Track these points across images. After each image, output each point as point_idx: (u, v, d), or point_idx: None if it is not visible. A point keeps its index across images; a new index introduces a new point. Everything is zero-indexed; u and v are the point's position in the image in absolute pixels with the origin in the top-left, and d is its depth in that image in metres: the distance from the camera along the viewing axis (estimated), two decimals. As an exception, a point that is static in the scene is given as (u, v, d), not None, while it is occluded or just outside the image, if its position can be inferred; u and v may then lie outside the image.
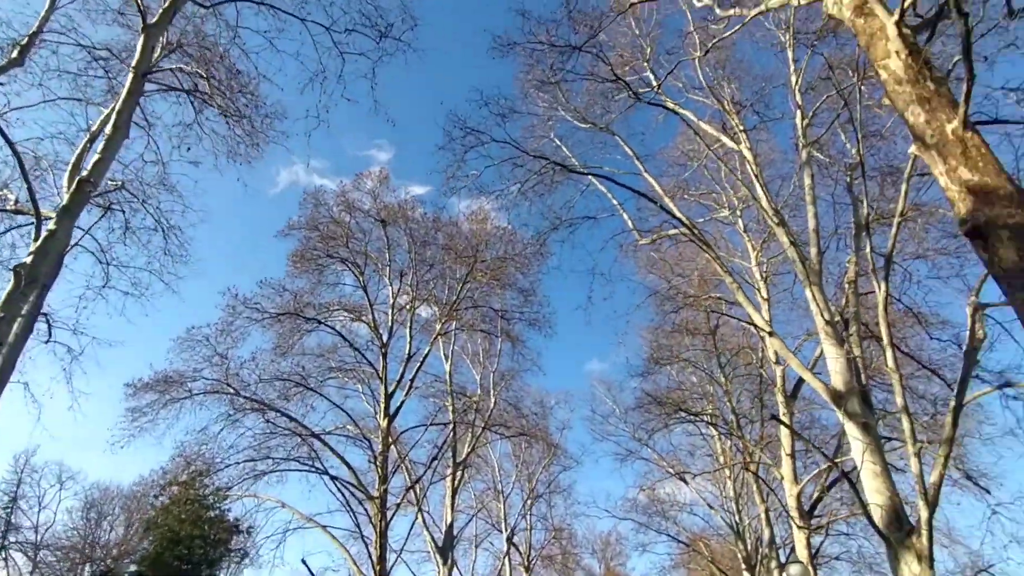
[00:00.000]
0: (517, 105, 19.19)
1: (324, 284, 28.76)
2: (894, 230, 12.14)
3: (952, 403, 11.35)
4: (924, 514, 10.61)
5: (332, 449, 26.45)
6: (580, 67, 17.52)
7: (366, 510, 26.63)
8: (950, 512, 22.07)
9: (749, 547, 32.12)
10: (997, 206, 4.88)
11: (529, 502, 45.76)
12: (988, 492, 15.81)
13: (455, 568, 37.41)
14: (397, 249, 29.13)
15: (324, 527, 24.70)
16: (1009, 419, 14.51)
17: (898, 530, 11.25)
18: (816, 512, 22.48)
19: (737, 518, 32.50)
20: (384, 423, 28.29)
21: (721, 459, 32.96)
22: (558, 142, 20.39)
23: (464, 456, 34.47)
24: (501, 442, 46.07)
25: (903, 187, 11.17)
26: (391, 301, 29.14)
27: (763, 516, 27.75)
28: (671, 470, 32.50)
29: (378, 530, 24.48)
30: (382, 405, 29.17)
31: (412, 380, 30.60)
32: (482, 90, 16.89)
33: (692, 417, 28.01)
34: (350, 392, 31.47)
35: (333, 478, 24.52)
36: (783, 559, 27.19)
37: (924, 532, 10.55)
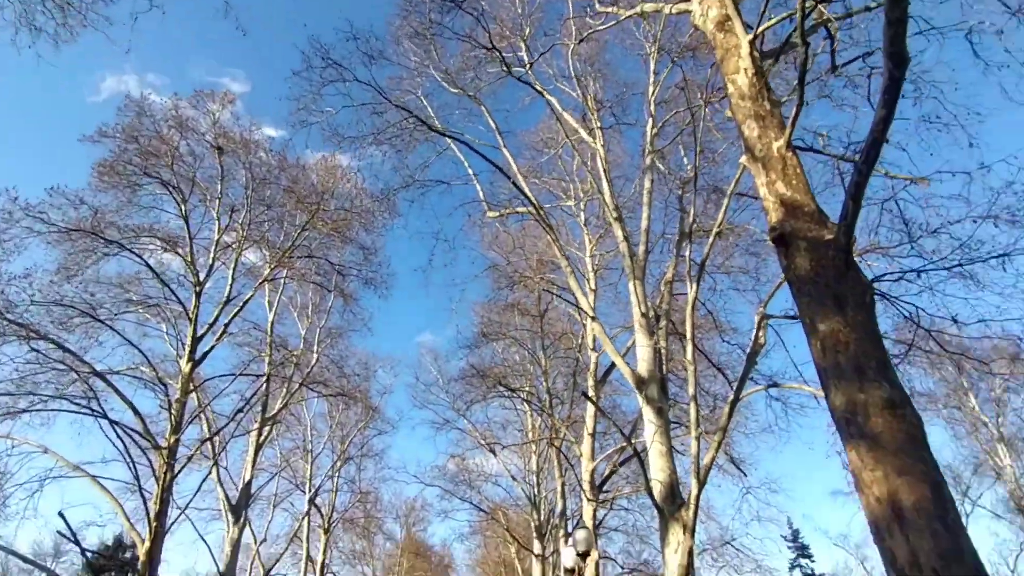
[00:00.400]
0: (388, 52, 18.25)
1: (136, 206, 24.79)
2: (710, 240, 13.62)
3: (731, 397, 13.10)
4: (695, 491, 12.11)
5: (118, 391, 23.38)
6: (458, 26, 17.10)
7: (150, 461, 24.06)
8: (711, 492, 25.81)
9: (542, 517, 34.53)
10: (801, 220, 5.61)
11: (339, 463, 44.81)
12: (745, 475, 18.65)
13: (247, 527, 35.51)
14: (232, 183, 26.09)
15: (94, 477, 21.79)
16: (769, 416, 17.28)
17: (672, 503, 12.72)
18: (605, 488, 24.81)
19: (536, 490, 34.72)
20: (187, 368, 25.63)
21: (530, 434, 34.80)
22: (424, 100, 19.82)
23: (275, 412, 32.59)
24: (318, 401, 44.53)
25: (724, 202, 12.51)
26: (215, 237, 26.18)
27: (559, 489, 29.92)
28: (483, 441, 33.66)
29: (162, 483, 22.21)
30: (187, 348, 26.34)
31: (227, 325, 28.05)
32: (352, 23, 15.68)
33: (510, 392, 29.19)
34: (150, 330, 28.03)
35: (113, 423, 21.62)
36: (570, 528, 29.67)
37: (692, 506, 12.05)
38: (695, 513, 12.05)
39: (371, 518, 50.92)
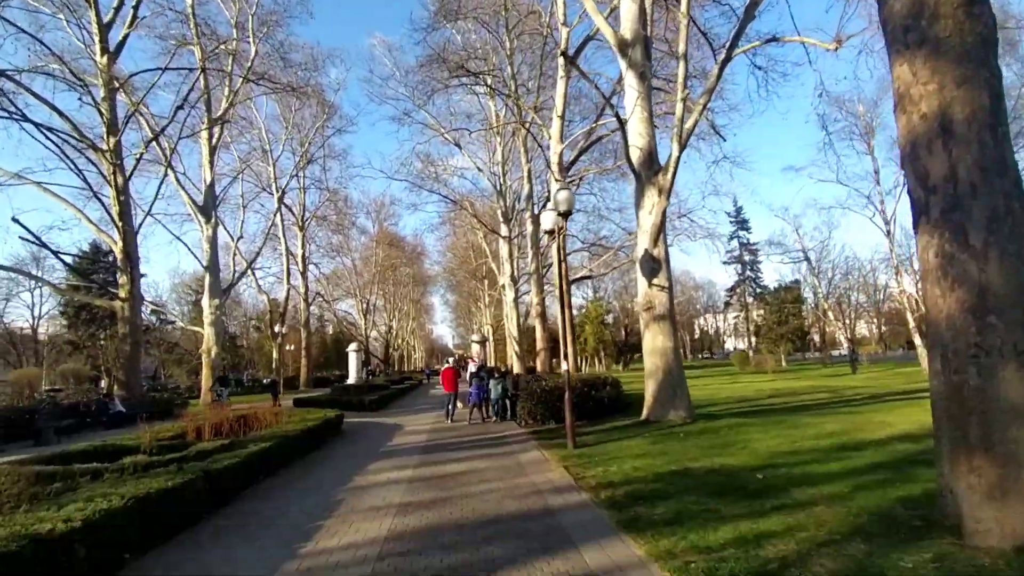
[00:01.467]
0: None
1: None
2: None
3: (723, 55, 11.88)
4: (676, 153, 11.76)
5: (30, 91, 20.72)
6: None
7: (97, 166, 22.67)
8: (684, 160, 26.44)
9: (508, 204, 35.84)
10: None
11: (302, 164, 44.17)
12: (724, 139, 18.63)
13: (221, 226, 36.11)
14: None
15: (40, 184, 20.63)
16: (751, 85, 16.31)
17: (649, 168, 12.53)
18: (571, 171, 25.02)
19: (501, 180, 35.17)
20: (104, 60, 22.52)
21: (495, 122, 33.71)
22: None
23: (222, 111, 30.17)
24: (268, 101, 41.46)
25: None
26: None
27: (525, 175, 30.11)
28: (446, 135, 32.69)
29: (115, 186, 21.28)
30: (97, 37, 22.82)
31: (136, 8, 24.02)
32: None
33: (473, 78, 26.97)
34: (47, 20, 23.77)
35: (39, 126, 19.58)
36: (536, 211, 30.84)
37: (672, 169, 11.84)
38: (674, 175, 11.94)
39: (343, 215, 52.41)
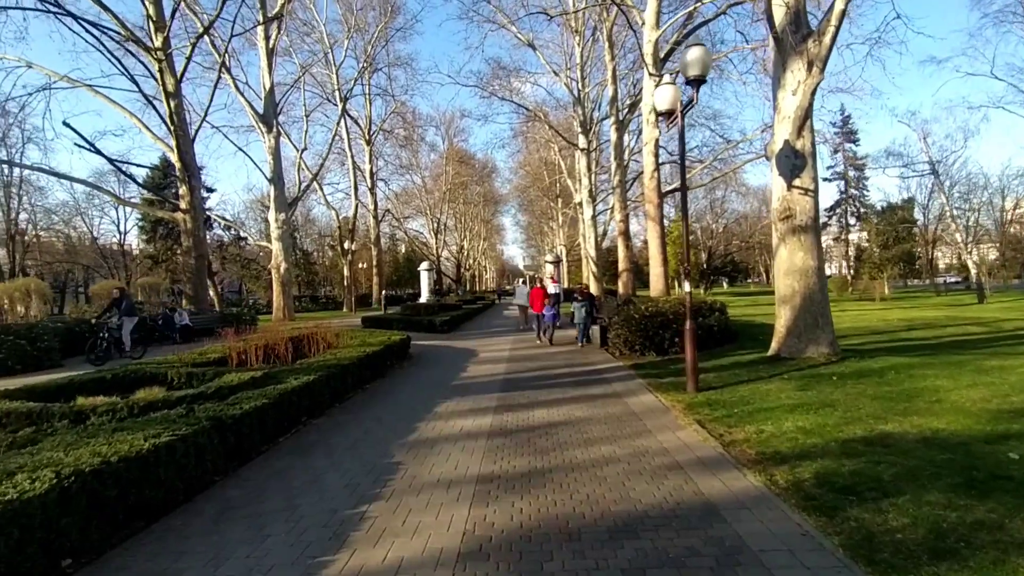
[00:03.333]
0: None
1: None
2: None
3: None
4: (840, 4, 8.63)
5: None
6: None
7: (149, 70, 21.21)
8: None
9: (587, 113, 32.58)
10: None
11: (366, 70, 41.92)
12: None
13: (284, 137, 34.84)
14: None
15: (91, 86, 19.43)
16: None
17: (795, 32, 9.42)
18: (671, 58, 21.49)
19: (580, 85, 31.90)
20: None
21: (572, 20, 30.04)
22: None
23: (278, 7, 28.03)
24: (328, 4, 38.86)
25: None
26: None
27: (610, 74, 26.58)
28: (519, 35, 29.40)
29: (164, 88, 19.79)
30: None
31: None
32: None
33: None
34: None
35: (81, 20, 18.06)
36: (621, 117, 27.43)
37: (831, 29, 8.74)
38: (832, 39, 8.85)
39: (411, 128, 50.31)
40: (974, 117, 79.80)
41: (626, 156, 31.13)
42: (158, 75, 19.53)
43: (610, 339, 12.35)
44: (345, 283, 40.36)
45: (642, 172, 35.31)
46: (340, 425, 6.71)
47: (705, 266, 55.40)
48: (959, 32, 72.18)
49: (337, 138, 41.72)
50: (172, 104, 20.11)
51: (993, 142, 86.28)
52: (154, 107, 20.86)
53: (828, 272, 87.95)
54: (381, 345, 10.48)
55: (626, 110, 28.32)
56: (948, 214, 34.62)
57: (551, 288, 16.52)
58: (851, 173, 56.22)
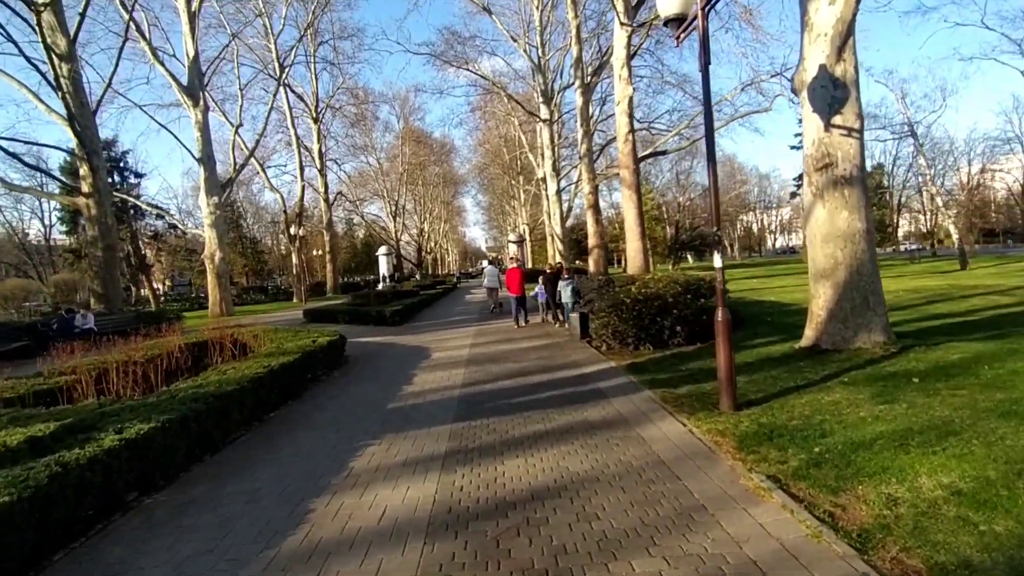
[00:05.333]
0: None
1: None
2: None
3: None
4: None
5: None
6: None
7: (27, 21, 17.69)
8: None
9: (548, 81, 30.20)
10: None
11: (310, 44, 38.35)
12: None
13: (216, 113, 31.33)
14: None
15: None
16: None
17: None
18: (643, 6, 19.12)
19: (540, 52, 29.54)
20: None
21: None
22: None
23: (194, -40, 24.53)
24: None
25: None
26: None
27: (574, 33, 24.02)
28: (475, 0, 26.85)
29: (48, 47, 16.42)
30: None
31: None
32: None
33: None
34: None
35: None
36: (587, 80, 24.95)
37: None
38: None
39: (363, 106, 46.93)
40: (952, 74, 79.53)
41: (593, 124, 28.80)
42: (38, 30, 16.15)
43: (594, 330, 10.03)
44: (294, 271, 37.11)
45: (609, 142, 33.28)
46: (181, 508, 4.16)
47: (674, 240, 53.66)
48: None
49: (279, 115, 38.23)
50: (64, 68, 16.78)
51: (972, 101, 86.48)
52: (39, 71, 17.45)
53: (797, 243, 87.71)
54: (300, 352, 7.88)
55: (592, 73, 25.86)
56: (928, 178, 33.37)
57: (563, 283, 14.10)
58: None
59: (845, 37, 7.11)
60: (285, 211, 35.96)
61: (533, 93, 32.77)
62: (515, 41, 29.41)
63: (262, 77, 36.27)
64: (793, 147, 58.35)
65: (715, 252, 5.33)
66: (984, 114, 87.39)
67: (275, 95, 33.59)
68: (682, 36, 5.68)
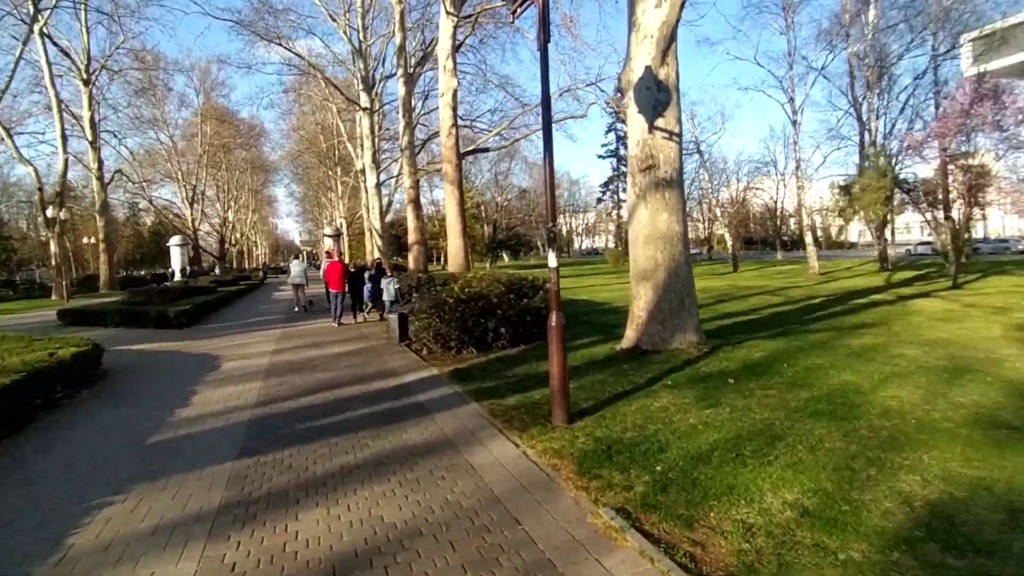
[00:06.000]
0: None
1: None
2: None
3: None
4: None
5: None
6: None
7: None
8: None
9: (369, 69, 28.77)
10: None
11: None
12: None
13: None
14: None
15: None
16: None
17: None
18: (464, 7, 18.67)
19: (361, 36, 27.96)
20: None
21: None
22: None
23: None
24: None
25: None
26: None
27: (398, 19, 22.88)
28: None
29: None
30: None
31: None
32: None
33: None
34: None
35: None
36: (410, 69, 23.99)
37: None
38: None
39: (151, 70, 40.59)
40: (730, 101, 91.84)
41: (415, 116, 27.89)
42: None
43: (414, 332, 9.22)
44: (54, 262, 30.69)
45: (431, 137, 32.61)
46: None
47: (492, 239, 54.84)
48: (731, 16, 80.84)
49: (36, 70, 31.45)
50: None
51: (743, 127, 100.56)
52: None
53: (599, 244, 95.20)
54: (26, 371, 5.93)
55: (416, 64, 24.95)
56: (709, 191, 38.01)
57: (386, 280, 12.98)
58: (622, 151, 60.16)
59: (669, 41, 7.17)
60: (41, 188, 29.59)
61: (353, 80, 30.92)
62: (334, 21, 27.39)
63: (11, 22, 29.44)
64: (600, 156, 63.08)
65: (550, 250, 4.82)
66: (751, 139, 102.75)
67: (25, 43, 27.48)
68: (518, 11, 5.12)
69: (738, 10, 70.22)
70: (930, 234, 29.03)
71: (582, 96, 29.50)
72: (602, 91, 23.83)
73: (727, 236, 35.71)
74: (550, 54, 4.78)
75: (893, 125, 29.02)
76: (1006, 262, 30.44)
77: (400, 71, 22.43)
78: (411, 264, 20.78)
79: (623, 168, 61.23)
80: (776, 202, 57.30)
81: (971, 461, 3.70)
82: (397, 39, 22.60)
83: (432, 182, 51.10)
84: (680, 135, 7.47)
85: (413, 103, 26.27)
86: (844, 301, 13.77)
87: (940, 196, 19.01)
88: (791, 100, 27.70)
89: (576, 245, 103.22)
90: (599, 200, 69.55)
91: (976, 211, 19.57)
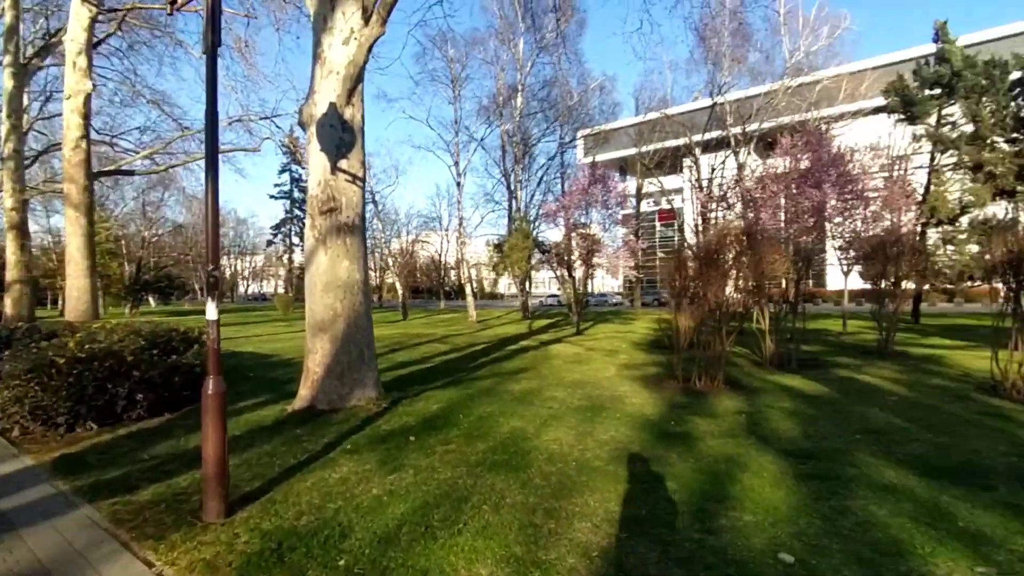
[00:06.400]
0: None
1: None
2: None
3: None
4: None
5: None
6: None
7: None
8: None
9: None
10: None
11: None
12: None
13: None
14: None
15: None
16: None
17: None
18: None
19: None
20: None
21: None
22: None
23: None
24: None
25: None
26: None
27: (2, -9, 18.00)
28: None
29: None
30: None
31: None
32: None
33: None
34: None
35: None
36: (25, 59, 18.81)
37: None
38: (397, -14, 6.71)
39: None
40: (404, 157, 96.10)
41: (28, 120, 21.76)
42: None
43: (0, 406, 6.66)
44: None
45: (49, 148, 25.88)
46: None
47: (132, 280, 45.87)
48: (409, 77, 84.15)
49: None
50: None
51: (416, 182, 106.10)
52: None
53: (268, 290, 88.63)
54: None
55: (34, 54, 19.61)
56: (382, 240, 39.01)
57: None
58: (297, 195, 57.81)
59: (356, 80, 6.90)
60: None
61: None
62: None
63: None
64: (273, 196, 59.54)
65: (210, 299, 3.88)
66: (420, 195, 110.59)
67: None
68: (178, 3, 4.16)
69: (415, 73, 75.40)
70: (559, 288, 35.10)
71: (255, 129, 27.43)
72: (278, 127, 22.36)
73: (398, 284, 36.95)
74: (221, 78, 3.96)
75: (532, 195, 34.54)
76: (606, 312, 38.58)
77: (9, 58, 17.33)
78: (8, 309, 15.64)
79: (297, 211, 58.83)
80: (440, 255, 62.09)
81: (622, 498, 4.11)
82: (7, 18, 17.48)
83: (50, 206, 40.75)
84: (364, 180, 7.20)
85: (25, 101, 20.57)
86: (501, 347, 15.24)
87: (566, 258, 22.77)
88: (456, 163, 30.55)
89: (242, 289, 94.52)
90: (269, 243, 65.01)
91: (591, 271, 23.95)
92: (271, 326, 26.03)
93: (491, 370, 10.84)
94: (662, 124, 37.62)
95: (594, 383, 9.13)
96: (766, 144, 30.40)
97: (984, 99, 23.61)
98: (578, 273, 22.84)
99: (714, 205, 24.15)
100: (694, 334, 8.87)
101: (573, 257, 22.12)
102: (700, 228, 26.66)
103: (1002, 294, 8.27)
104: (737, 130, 33.29)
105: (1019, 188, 23.59)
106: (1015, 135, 24.26)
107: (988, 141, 23.61)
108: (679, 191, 46.13)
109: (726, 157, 34.23)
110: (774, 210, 16.98)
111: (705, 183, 35.14)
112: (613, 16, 78.07)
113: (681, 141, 37.05)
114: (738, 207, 21.07)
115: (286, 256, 60.16)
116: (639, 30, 19.95)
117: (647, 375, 9.93)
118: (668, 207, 46.78)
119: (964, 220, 24.07)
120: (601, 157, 32.26)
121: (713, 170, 35.16)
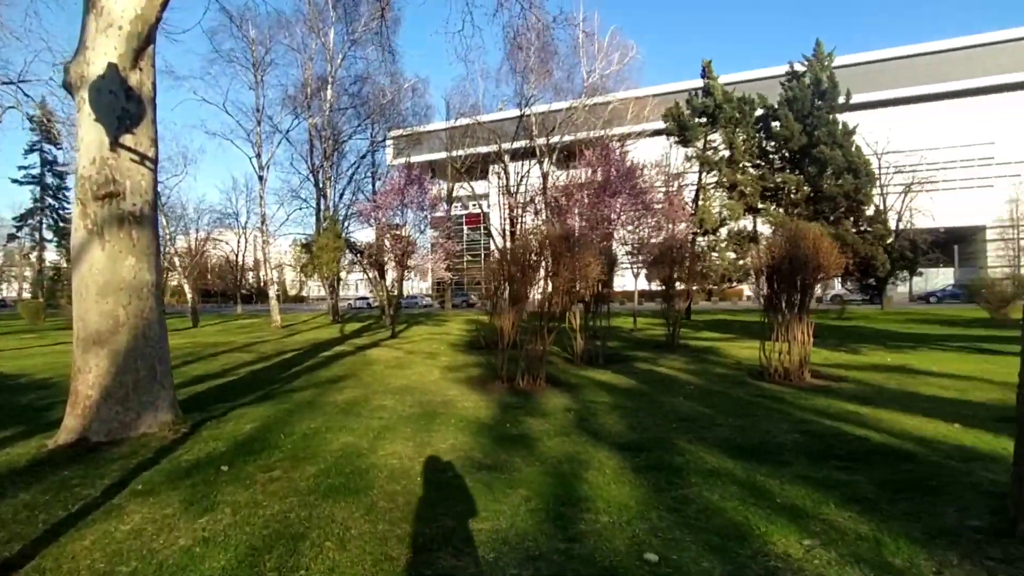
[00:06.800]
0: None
1: None
2: None
3: None
4: None
5: None
6: None
7: None
8: None
9: None
10: None
11: None
12: None
13: None
14: None
15: None
16: None
17: None
18: None
19: None
20: None
21: None
22: None
23: None
24: None
25: None
26: None
27: None
28: None
29: None
30: None
31: None
32: None
33: None
34: None
35: None
36: None
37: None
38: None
39: None
40: (195, 144, 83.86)
41: None
42: None
43: None
44: None
45: None
46: None
47: None
48: (197, 55, 73.35)
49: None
50: None
51: (209, 173, 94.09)
52: None
53: (10, 295, 72.10)
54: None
55: None
56: (168, 238, 34.03)
57: None
58: (51, 180, 47.88)
59: (146, 41, 5.70)
60: None
61: None
62: None
63: None
64: (17, 181, 48.74)
65: None
66: (213, 189, 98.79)
67: None
68: None
69: (208, 51, 67.39)
70: (369, 290, 33.96)
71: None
72: (26, 95, 18.04)
73: (186, 287, 32.62)
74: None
75: (342, 194, 32.95)
76: (418, 314, 38.35)
77: None
78: None
79: (50, 200, 48.97)
80: (237, 254, 56.48)
81: (480, 514, 3.86)
82: None
83: None
84: (155, 161, 5.98)
85: None
86: (314, 354, 14.13)
87: (379, 259, 22.02)
88: (259, 156, 27.87)
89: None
90: (12, 237, 52.87)
91: (406, 273, 23.48)
92: (15, 339, 21.16)
93: (308, 380, 9.90)
94: (473, 130, 38.51)
95: (421, 388, 8.80)
96: (567, 156, 32.73)
97: (738, 129, 27.97)
98: (392, 275, 22.23)
99: (520, 210, 25.32)
100: (516, 334, 9.03)
101: (387, 258, 21.47)
102: (507, 232, 27.74)
103: (763, 294, 9.66)
104: (542, 141, 35.29)
105: (761, 206, 28.42)
106: (759, 161, 29.19)
107: (740, 165, 28.06)
108: (486, 196, 47.68)
109: (532, 166, 36.14)
110: (577, 217, 18.19)
111: (513, 189, 36.75)
112: (435, 16, 78.23)
113: (492, 148, 38.26)
114: (544, 213, 22.26)
115: (35, 254, 49.65)
116: (461, 31, 20.14)
117: (472, 376, 9.87)
118: (476, 211, 48.14)
119: (723, 231, 28.29)
120: (415, 158, 31.97)
121: (521, 178, 36.89)
